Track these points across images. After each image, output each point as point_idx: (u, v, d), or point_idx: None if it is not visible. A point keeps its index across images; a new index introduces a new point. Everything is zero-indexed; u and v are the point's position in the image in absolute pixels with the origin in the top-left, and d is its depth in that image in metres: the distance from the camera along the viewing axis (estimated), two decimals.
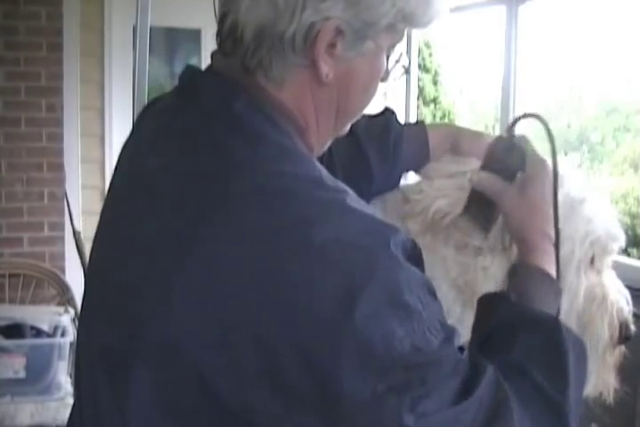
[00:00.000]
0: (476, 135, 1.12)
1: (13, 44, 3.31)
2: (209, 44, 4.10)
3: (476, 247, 1.01)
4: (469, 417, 0.69)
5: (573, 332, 0.85)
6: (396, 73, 0.82)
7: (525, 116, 0.95)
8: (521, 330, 0.82)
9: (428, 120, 7.52)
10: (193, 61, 4.30)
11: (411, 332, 0.66)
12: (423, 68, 7.56)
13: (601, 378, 1.03)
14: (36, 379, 2.74)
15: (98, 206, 3.67)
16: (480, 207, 0.98)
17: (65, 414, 2.74)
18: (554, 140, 0.92)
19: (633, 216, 5.42)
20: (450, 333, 0.71)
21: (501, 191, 0.95)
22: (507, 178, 0.95)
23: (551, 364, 0.79)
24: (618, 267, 1.08)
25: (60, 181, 3.43)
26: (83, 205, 3.69)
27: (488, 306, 0.88)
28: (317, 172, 0.73)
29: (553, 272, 0.90)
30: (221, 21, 0.78)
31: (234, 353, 0.65)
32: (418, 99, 6.70)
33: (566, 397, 0.77)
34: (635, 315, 1.06)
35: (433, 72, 7.85)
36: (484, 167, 0.98)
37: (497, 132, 2.39)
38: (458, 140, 1.13)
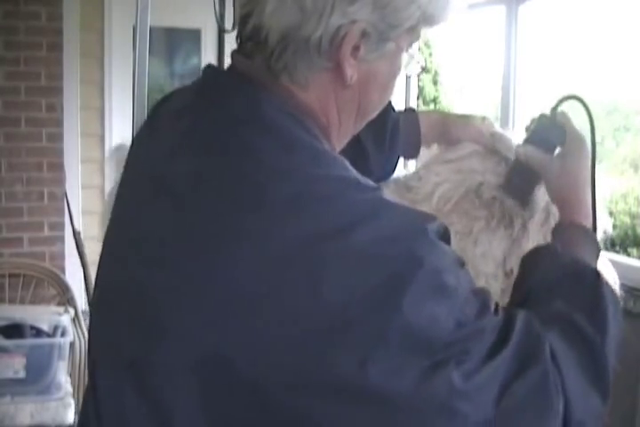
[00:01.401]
0: (465, 120, 1.17)
1: (13, 44, 3.31)
2: (209, 44, 4.10)
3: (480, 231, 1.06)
4: (507, 366, 0.70)
5: (612, 288, 0.86)
6: (413, 70, 0.84)
7: (568, 97, 1.02)
8: (566, 278, 0.85)
9: None
10: (193, 61, 4.31)
11: (452, 310, 0.68)
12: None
13: None
14: (35, 379, 2.73)
15: (98, 206, 3.67)
16: (520, 178, 1.06)
17: (65, 414, 2.74)
18: (593, 118, 1.00)
19: (633, 216, 5.41)
20: (484, 299, 0.73)
21: (544, 162, 1.01)
22: (547, 151, 1.03)
23: (593, 312, 0.80)
24: (618, 267, 1.08)
25: (60, 181, 3.43)
26: (83, 205, 3.70)
27: (534, 258, 0.91)
28: (350, 172, 0.74)
29: (590, 227, 0.95)
30: (243, 23, 0.78)
31: (285, 359, 0.65)
32: (418, 99, 6.70)
33: (606, 343, 0.78)
34: (635, 314, 1.06)
35: (433, 72, 7.85)
36: (526, 141, 1.05)
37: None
38: (447, 125, 1.16)
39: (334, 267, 0.66)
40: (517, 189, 1.07)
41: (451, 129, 1.16)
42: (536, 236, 1.07)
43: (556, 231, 0.96)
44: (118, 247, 0.82)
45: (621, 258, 2.39)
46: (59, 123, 3.41)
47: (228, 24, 1.58)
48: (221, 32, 3.48)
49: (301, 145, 0.74)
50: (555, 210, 1.05)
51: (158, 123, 0.85)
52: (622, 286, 1.07)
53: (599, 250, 0.94)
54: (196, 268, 0.69)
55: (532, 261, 0.91)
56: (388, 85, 0.82)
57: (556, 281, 0.85)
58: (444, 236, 0.72)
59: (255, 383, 0.65)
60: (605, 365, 0.77)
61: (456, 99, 8.28)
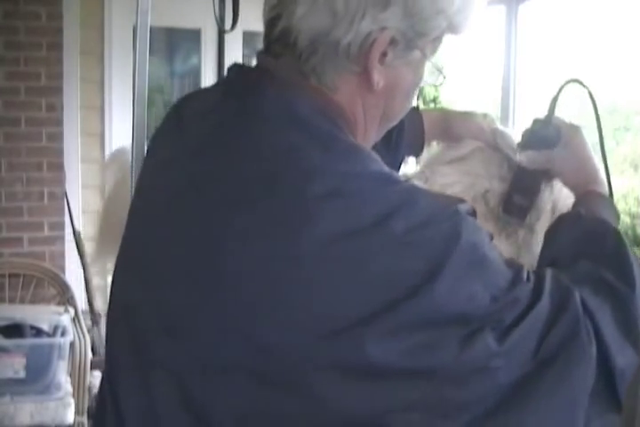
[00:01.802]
0: (466, 117, 1.18)
1: (13, 44, 3.30)
2: (209, 44, 4.10)
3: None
4: (541, 320, 0.73)
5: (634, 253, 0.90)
6: (437, 80, 0.85)
7: (569, 81, 1.05)
8: (592, 236, 0.88)
9: None
10: (193, 61, 4.30)
11: (487, 286, 0.71)
12: None
13: None
14: (35, 379, 2.73)
15: (98, 206, 3.66)
16: (526, 183, 1.08)
17: (65, 413, 2.73)
18: (594, 99, 1.04)
19: (633, 216, 5.41)
20: (517, 269, 0.75)
21: (549, 157, 1.03)
22: (547, 149, 1.05)
23: (620, 267, 0.83)
24: None
25: (60, 181, 3.43)
26: (83, 205, 3.69)
27: (559, 223, 0.94)
28: (384, 167, 0.75)
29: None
30: (271, 25, 0.78)
31: (334, 351, 0.67)
32: (418, 99, 6.70)
33: (635, 295, 0.80)
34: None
35: None
36: (524, 147, 1.07)
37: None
38: (449, 122, 1.18)
39: (376, 260, 0.67)
40: (517, 208, 1.08)
41: (452, 126, 1.17)
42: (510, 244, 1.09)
43: (577, 202, 1.00)
44: (145, 248, 0.81)
45: None
46: (59, 122, 3.40)
47: (228, 24, 1.58)
48: (221, 32, 3.48)
49: (337, 142, 0.75)
50: (560, 208, 1.07)
51: (182, 123, 0.85)
52: None
53: (618, 213, 0.98)
54: (234, 266, 0.69)
55: (557, 226, 0.94)
56: (411, 93, 0.84)
57: (582, 241, 0.88)
58: (473, 214, 0.75)
59: (291, 377, 0.67)
60: (637, 318, 0.79)
61: (456, 99, 8.28)
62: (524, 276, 0.75)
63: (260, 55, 0.82)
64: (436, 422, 0.69)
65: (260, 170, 0.72)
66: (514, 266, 0.75)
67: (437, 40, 0.81)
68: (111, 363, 0.83)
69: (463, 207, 0.73)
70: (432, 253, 0.69)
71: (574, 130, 1.04)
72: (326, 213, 0.68)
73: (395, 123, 0.87)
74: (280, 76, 0.78)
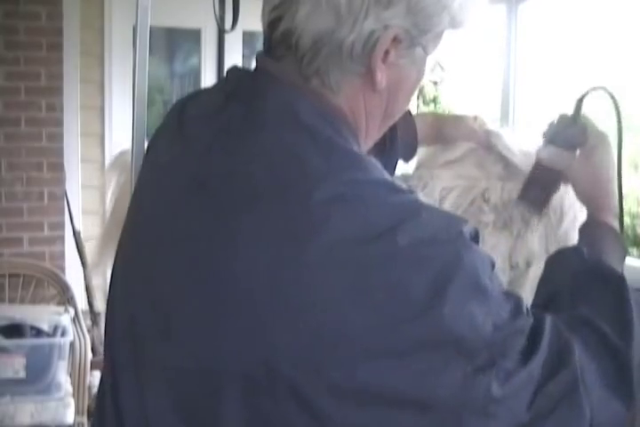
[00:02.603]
0: (457, 119, 1.19)
1: (13, 44, 3.30)
2: (209, 44, 4.10)
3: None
4: (539, 370, 0.71)
5: (636, 293, 0.87)
6: (438, 76, 0.86)
7: (594, 89, 1.03)
8: (592, 283, 0.85)
9: None
10: (193, 61, 4.30)
11: (489, 312, 0.69)
12: None
13: None
14: (35, 379, 2.73)
15: (98, 206, 3.64)
16: (544, 178, 1.06)
17: (65, 413, 2.74)
18: (620, 111, 1.03)
19: (633, 216, 5.41)
20: (516, 301, 0.73)
21: (568, 161, 1.02)
22: (568, 150, 1.03)
23: (618, 318, 0.81)
24: None
25: (60, 181, 3.42)
26: (83, 205, 3.69)
27: (560, 259, 0.92)
28: (385, 175, 0.74)
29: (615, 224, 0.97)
30: (272, 26, 0.78)
31: (334, 367, 0.65)
32: (418, 98, 6.70)
33: (631, 349, 0.79)
34: None
35: None
36: (548, 142, 1.05)
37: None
38: (441, 125, 1.19)
39: (378, 270, 0.66)
40: (532, 199, 1.08)
41: (444, 129, 1.18)
42: (543, 230, 1.09)
43: (583, 231, 0.97)
44: (147, 249, 0.80)
45: None
46: (59, 123, 3.40)
47: (228, 24, 1.58)
48: (221, 32, 3.48)
49: (338, 148, 0.74)
50: (566, 211, 1.07)
51: (184, 126, 0.84)
52: None
53: (625, 251, 0.95)
54: (233, 272, 0.69)
55: (558, 262, 0.92)
56: (412, 90, 0.83)
57: (582, 285, 0.85)
58: (476, 238, 0.74)
59: (296, 387, 0.66)
60: (629, 371, 0.78)
61: (456, 98, 8.27)
62: (524, 309, 0.74)
63: (260, 57, 0.82)
64: None
65: (266, 174, 0.71)
66: (513, 297, 0.74)
67: (438, 36, 0.80)
68: (111, 363, 0.83)
69: (467, 229, 0.71)
70: (434, 274, 0.67)
71: (601, 138, 1.01)
72: (331, 219, 0.68)
73: (395, 120, 0.86)
74: (282, 80, 0.78)
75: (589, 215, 0.99)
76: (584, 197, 1.02)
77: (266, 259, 0.68)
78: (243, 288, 0.68)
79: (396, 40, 0.75)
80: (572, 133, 1.03)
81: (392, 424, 0.67)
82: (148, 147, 0.92)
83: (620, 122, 1.02)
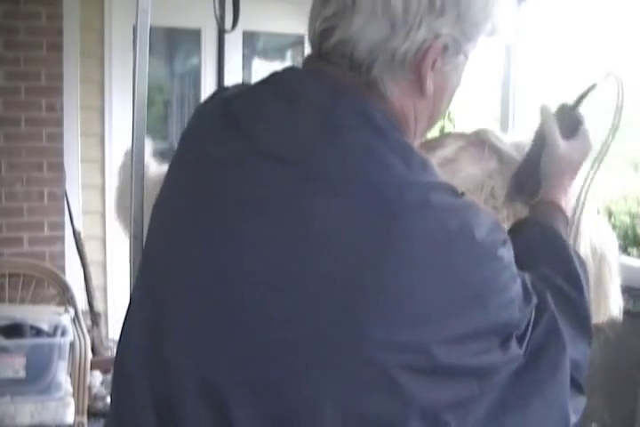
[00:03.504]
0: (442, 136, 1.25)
1: (13, 44, 3.31)
2: (209, 44, 4.10)
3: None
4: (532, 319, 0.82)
5: (578, 253, 1.00)
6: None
7: (607, 75, 1.09)
8: (543, 246, 0.97)
9: None
10: (193, 61, 4.31)
11: (517, 297, 0.78)
12: None
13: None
14: (35, 379, 2.74)
15: (98, 206, 3.64)
16: (530, 178, 1.11)
17: (65, 413, 2.74)
18: (623, 97, 1.08)
19: (633, 216, 5.41)
20: (524, 284, 0.81)
21: (556, 139, 1.07)
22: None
23: (569, 274, 0.93)
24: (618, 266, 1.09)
25: (60, 181, 3.43)
26: (83, 205, 3.70)
27: (520, 227, 1.01)
28: (442, 178, 0.79)
29: (565, 207, 1.06)
30: (325, 36, 0.80)
31: (423, 351, 0.71)
32: None
33: (584, 297, 0.92)
34: (634, 314, 1.06)
35: None
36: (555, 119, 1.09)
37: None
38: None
39: (461, 263, 0.73)
40: (521, 186, 1.12)
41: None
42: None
43: (536, 205, 1.07)
44: (192, 257, 0.80)
45: (621, 258, 2.38)
46: (59, 123, 3.41)
47: (228, 24, 1.58)
48: (221, 32, 3.48)
49: (413, 153, 0.78)
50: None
51: (241, 124, 0.82)
52: (621, 286, 1.08)
53: (567, 221, 1.05)
54: (343, 280, 0.72)
55: (520, 230, 1.01)
56: (453, 95, 0.87)
57: (538, 248, 0.96)
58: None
59: (385, 370, 0.71)
60: (586, 314, 0.91)
61: (456, 98, 8.27)
62: (527, 284, 0.82)
63: (313, 62, 0.83)
64: (468, 415, 0.75)
65: (346, 173, 0.74)
66: (520, 274, 0.81)
67: (476, 43, 0.83)
68: (126, 353, 0.84)
69: (505, 235, 0.80)
70: (507, 267, 0.77)
71: (587, 140, 1.08)
72: (420, 222, 0.72)
73: (437, 123, 0.90)
74: (350, 86, 0.79)
75: (544, 192, 1.07)
76: (549, 173, 1.07)
77: (364, 263, 0.71)
78: (343, 277, 0.72)
79: (444, 48, 0.79)
80: (569, 122, 1.07)
81: (459, 392, 0.75)
82: (181, 142, 0.90)
83: (618, 110, 1.08)
